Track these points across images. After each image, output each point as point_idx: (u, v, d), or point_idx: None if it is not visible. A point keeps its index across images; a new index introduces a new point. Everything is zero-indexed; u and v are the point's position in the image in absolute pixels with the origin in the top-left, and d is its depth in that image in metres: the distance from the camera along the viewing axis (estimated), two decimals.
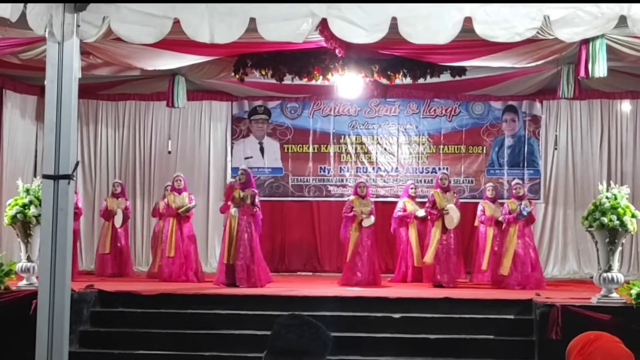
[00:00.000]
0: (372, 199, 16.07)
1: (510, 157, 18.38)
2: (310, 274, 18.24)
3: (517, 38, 7.96)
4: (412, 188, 16.65)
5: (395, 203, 16.90)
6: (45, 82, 7.76)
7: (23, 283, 12.32)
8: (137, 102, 18.80)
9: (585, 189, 17.82)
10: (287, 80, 14.79)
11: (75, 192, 15.68)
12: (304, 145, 18.72)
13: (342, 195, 18.18)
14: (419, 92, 18.07)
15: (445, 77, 15.00)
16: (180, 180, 16.18)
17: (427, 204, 15.77)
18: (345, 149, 18.65)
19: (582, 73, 11.38)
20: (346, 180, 18.57)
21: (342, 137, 18.65)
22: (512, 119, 18.41)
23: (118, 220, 16.89)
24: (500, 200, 16.47)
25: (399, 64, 14.20)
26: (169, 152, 18.69)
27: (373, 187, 17.50)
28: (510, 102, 18.35)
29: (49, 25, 7.58)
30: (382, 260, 16.80)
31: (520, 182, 16.32)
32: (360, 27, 7.80)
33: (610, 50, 11.30)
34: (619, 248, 11.66)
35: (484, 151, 18.42)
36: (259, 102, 18.82)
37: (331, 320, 11.57)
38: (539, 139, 18.34)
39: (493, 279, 15.38)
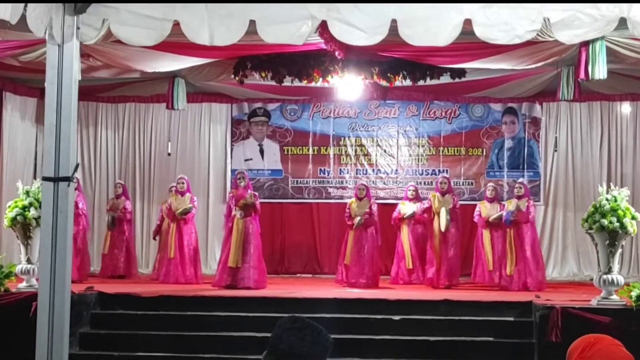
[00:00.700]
0: (373, 200, 16.04)
1: (510, 159, 18.38)
2: (310, 275, 18.22)
3: (517, 40, 7.96)
4: (410, 190, 16.62)
5: (395, 205, 16.90)
6: (45, 85, 7.77)
7: (23, 285, 12.32)
8: (137, 104, 18.79)
9: (585, 191, 17.81)
10: (287, 82, 14.78)
11: (81, 194, 15.83)
12: (304, 147, 18.72)
13: (341, 198, 18.18)
14: (418, 94, 18.07)
15: (445, 79, 15.01)
16: (183, 183, 16.17)
17: (425, 206, 15.90)
18: (345, 151, 18.65)
19: (582, 75, 11.39)
20: (346, 182, 18.57)
21: (342, 139, 18.65)
22: (511, 121, 18.41)
23: (109, 223, 16.91)
24: (501, 201, 16.47)
25: (399, 66, 14.21)
26: (169, 154, 18.67)
27: (373, 189, 17.48)
28: (510, 104, 18.35)
29: (49, 28, 7.58)
30: (382, 262, 16.76)
31: (524, 182, 16.31)
32: (360, 29, 7.81)
33: (610, 53, 11.31)
34: (619, 250, 11.67)
35: (484, 153, 18.42)
36: (259, 104, 18.82)
37: (331, 322, 11.56)
38: (539, 141, 18.34)
39: (493, 280, 15.39)
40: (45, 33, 7.65)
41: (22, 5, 7.09)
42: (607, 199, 11.61)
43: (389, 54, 13.16)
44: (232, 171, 18.37)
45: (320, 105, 18.62)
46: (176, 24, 7.98)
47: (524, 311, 12.30)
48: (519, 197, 15.54)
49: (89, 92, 16.90)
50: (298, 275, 18.21)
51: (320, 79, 14.45)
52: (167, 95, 16.27)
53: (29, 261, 12.24)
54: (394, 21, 7.73)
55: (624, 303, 11.53)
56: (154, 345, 12.03)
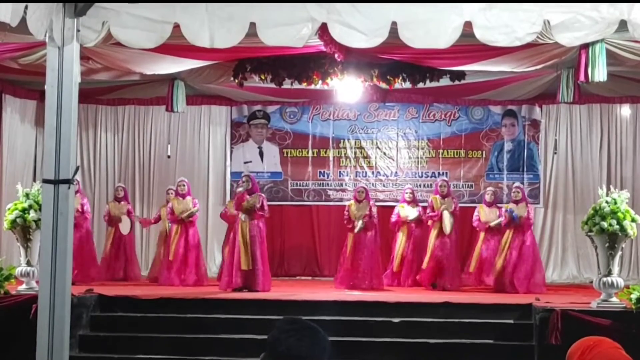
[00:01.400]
0: (372, 203, 16.03)
1: (510, 162, 18.38)
2: (310, 278, 18.23)
3: (517, 43, 7.98)
4: (407, 192, 16.60)
5: (394, 207, 16.89)
6: (46, 87, 7.77)
7: (23, 287, 12.31)
8: (137, 106, 18.80)
9: (584, 194, 17.81)
10: (287, 84, 14.78)
11: (85, 196, 15.87)
12: (304, 150, 18.72)
13: (341, 200, 18.17)
14: (418, 97, 18.06)
15: (445, 81, 15.00)
16: (184, 185, 16.17)
17: (428, 210, 15.88)
18: (345, 154, 18.65)
19: (581, 77, 11.37)
20: (345, 184, 18.57)
21: (342, 141, 18.65)
22: (511, 123, 18.41)
23: (125, 227, 16.87)
24: (499, 205, 16.49)
25: (399, 69, 14.20)
26: (169, 157, 18.68)
27: (372, 191, 17.49)
28: (509, 107, 18.35)
29: (49, 30, 7.59)
30: (382, 264, 16.75)
31: (521, 186, 16.32)
32: (360, 31, 7.82)
33: (610, 55, 11.30)
34: (619, 252, 11.66)
35: (484, 156, 18.42)
36: (258, 107, 18.82)
37: (331, 325, 11.58)
38: (539, 143, 18.34)
39: (494, 283, 15.40)
40: (45, 35, 7.66)
41: (22, 7, 7.10)
42: (607, 202, 11.60)
43: (388, 57, 13.15)
44: (232, 174, 18.40)
45: (319, 107, 18.63)
46: (176, 27, 7.99)
47: (523, 313, 12.30)
48: (517, 202, 15.52)
49: (88, 95, 16.90)
50: (298, 277, 18.21)
51: (320, 82, 14.44)
52: (166, 97, 16.25)
53: (28, 264, 12.23)
54: (394, 23, 7.74)
55: (623, 305, 11.52)
56: (154, 347, 12.02)
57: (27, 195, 12.31)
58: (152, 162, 18.86)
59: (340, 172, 18.65)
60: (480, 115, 18.44)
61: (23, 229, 12.22)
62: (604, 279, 11.53)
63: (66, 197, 7.63)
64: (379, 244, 15.82)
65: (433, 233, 15.64)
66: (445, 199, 15.79)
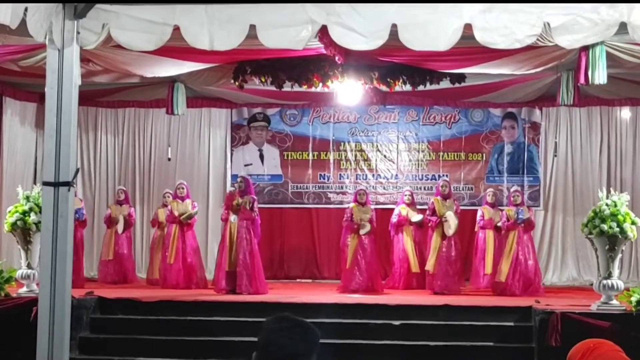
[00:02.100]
0: (372, 206, 16.06)
1: (510, 164, 18.37)
2: (310, 280, 18.21)
3: (517, 45, 7.98)
4: (406, 195, 16.60)
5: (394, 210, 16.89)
6: (46, 89, 7.78)
7: (23, 290, 12.33)
8: (137, 109, 18.79)
9: (584, 196, 17.79)
10: (287, 87, 14.77)
11: (81, 200, 15.84)
12: (304, 152, 18.71)
13: (341, 203, 18.17)
14: (418, 99, 18.06)
15: (445, 84, 14.99)
16: (183, 188, 16.20)
17: (427, 211, 15.86)
18: (345, 156, 18.64)
19: (581, 80, 11.36)
20: (346, 187, 18.56)
21: (342, 144, 18.64)
22: (511, 125, 18.40)
23: (120, 226, 16.90)
24: (500, 207, 16.50)
25: (399, 71, 14.20)
26: (169, 159, 18.67)
27: (373, 194, 17.49)
28: (509, 109, 18.34)
29: (49, 32, 7.60)
30: (382, 266, 16.76)
31: (519, 189, 16.32)
32: (360, 34, 7.82)
33: (610, 57, 11.29)
34: (619, 255, 11.67)
35: (484, 158, 18.41)
36: (259, 109, 18.81)
37: (330, 327, 11.59)
38: (539, 145, 18.33)
39: (492, 286, 15.39)
40: (45, 38, 7.66)
41: (22, 9, 7.10)
42: (606, 204, 11.61)
43: (388, 59, 13.15)
44: (232, 176, 18.37)
45: (320, 110, 18.62)
46: (176, 29, 7.99)
47: (523, 316, 12.31)
48: (517, 205, 15.52)
49: (88, 97, 16.87)
50: (298, 280, 18.19)
51: (320, 84, 14.44)
52: (166, 100, 16.25)
53: (29, 266, 12.25)
54: (394, 26, 7.74)
55: (623, 308, 11.53)
56: (154, 350, 12.03)
57: (27, 198, 12.33)
58: (152, 164, 18.85)
59: (340, 174, 18.64)
60: (480, 118, 18.43)
61: (23, 232, 12.24)
62: (604, 281, 11.54)
63: (66, 199, 7.64)
64: (377, 246, 15.82)
65: (436, 236, 15.59)
66: (447, 200, 15.77)
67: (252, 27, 7.87)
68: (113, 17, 7.93)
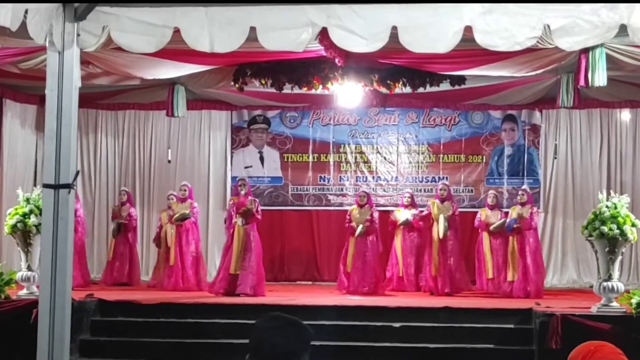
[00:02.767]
0: (374, 208, 16.04)
1: (510, 166, 18.37)
2: (310, 283, 18.21)
3: (517, 47, 7.97)
4: (405, 197, 16.62)
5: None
6: (46, 92, 7.77)
7: (23, 292, 12.32)
8: (137, 111, 18.79)
9: (584, 198, 17.79)
10: (287, 89, 14.80)
11: (78, 200, 15.81)
12: (304, 155, 18.71)
13: (341, 205, 18.18)
14: (418, 102, 18.06)
15: (445, 86, 15.00)
16: (185, 190, 16.20)
17: (424, 211, 15.94)
18: (345, 158, 18.64)
19: (581, 82, 11.38)
20: (346, 189, 18.56)
21: (342, 146, 18.64)
22: (511, 128, 18.40)
23: (114, 231, 16.92)
24: (501, 209, 16.51)
25: (399, 73, 14.21)
26: (169, 162, 18.67)
27: (373, 196, 17.47)
28: (509, 112, 18.34)
29: (49, 35, 7.60)
30: (383, 268, 16.74)
31: (526, 189, 16.30)
32: (360, 36, 7.82)
33: (609, 60, 11.30)
34: (619, 257, 11.67)
35: (484, 160, 18.41)
36: (259, 112, 18.81)
37: (331, 330, 11.60)
38: (539, 148, 18.33)
39: (497, 287, 15.39)
40: (45, 40, 7.66)
41: (22, 12, 7.10)
42: (607, 206, 11.61)
43: (388, 61, 13.16)
44: (232, 178, 18.37)
45: (320, 112, 18.62)
46: (176, 31, 7.98)
47: (524, 318, 12.30)
48: (522, 204, 15.56)
49: (88, 99, 16.88)
50: (298, 282, 18.19)
51: (320, 86, 14.46)
52: (166, 102, 16.27)
53: (29, 268, 12.25)
54: (394, 28, 7.73)
55: (624, 310, 11.53)
56: (155, 352, 12.02)
57: (27, 200, 12.33)
58: (152, 166, 18.86)
59: (340, 176, 18.64)
60: (480, 120, 18.44)
61: (23, 234, 12.24)
62: (604, 283, 11.54)
63: (66, 201, 7.63)
64: (379, 248, 15.81)
65: (434, 237, 15.62)
66: (444, 203, 15.81)
67: (253, 30, 7.87)
68: (113, 19, 7.92)
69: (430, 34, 7.80)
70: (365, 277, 15.28)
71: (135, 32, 8.01)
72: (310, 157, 18.69)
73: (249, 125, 18.86)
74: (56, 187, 7.61)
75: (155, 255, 17.16)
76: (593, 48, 10.75)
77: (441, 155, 18.48)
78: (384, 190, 18.52)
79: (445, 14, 7.70)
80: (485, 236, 16.00)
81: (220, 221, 17.34)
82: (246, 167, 18.69)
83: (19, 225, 12.16)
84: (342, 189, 18.61)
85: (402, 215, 16.40)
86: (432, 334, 12.18)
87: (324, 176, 18.65)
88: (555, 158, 18.23)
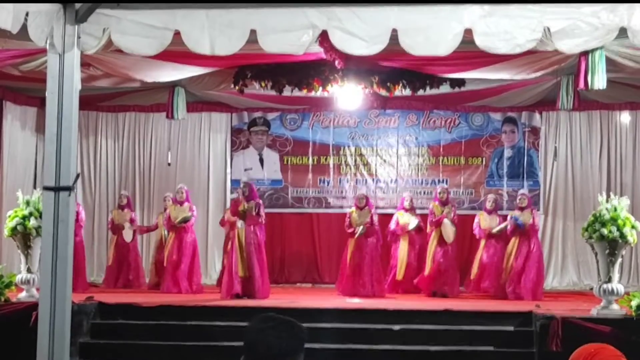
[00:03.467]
0: (374, 210, 16.02)
1: (510, 169, 18.37)
2: (310, 285, 18.21)
3: (518, 50, 7.97)
4: (406, 200, 16.60)
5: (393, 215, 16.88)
6: (46, 94, 7.77)
7: (23, 295, 12.31)
8: (137, 113, 18.80)
9: (584, 200, 17.80)
10: (287, 91, 14.80)
11: (78, 204, 15.79)
12: (304, 157, 18.71)
13: (341, 207, 18.16)
14: (418, 104, 18.06)
15: (445, 88, 15.03)
16: (182, 192, 16.18)
17: (429, 216, 15.93)
18: (345, 161, 18.64)
19: (581, 84, 11.38)
20: (346, 191, 18.56)
21: (342, 148, 18.65)
22: (511, 130, 18.41)
23: (127, 235, 16.91)
24: (500, 212, 16.53)
25: (399, 76, 14.22)
26: (169, 164, 18.68)
27: (372, 198, 17.46)
28: (509, 114, 18.34)
29: (49, 37, 7.59)
30: (382, 271, 16.72)
31: (526, 193, 16.32)
32: (361, 38, 7.82)
33: (609, 62, 11.30)
34: (619, 259, 11.67)
35: (484, 162, 18.41)
36: (259, 114, 18.81)
37: (331, 332, 11.61)
38: (539, 150, 18.34)
39: (496, 290, 15.38)
40: (46, 42, 7.66)
41: (23, 14, 7.10)
42: (607, 209, 11.61)
43: (388, 64, 13.16)
44: (232, 181, 18.38)
45: (320, 114, 18.62)
46: (177, 34, 7.98)
47: (524, 321, 12.29)
48: (522, 209, 15.56)
49: (89, 102, 16.88)
50: (298, 284, 18.19)
51: (320, 88, 14.46)
52: (167, 104, 16.27)
53: (29, 271, 12.24)
54: (394, 30, 7.73)
55: (624, 312, 11.52)
56: (155, 355, 12.01)
57: (27, 203, 12.32)
58: (152, 169, 18.86)
59: (340, 179, 18.64)
60: (480, 122, 18.44)
61: (23, 236, 12.23)
62: (604, 285, 11.54)
63: (67, 204, 7.63)
64: (379, 251, 15.81)
65: (433, 240, 15.67)
66: (445, 206, 15.82)
67: (253, 32, 7.87)
68: (114, 21, 7.92)
69: (431, 36, 7.80)
70: (366, 280, 15.27)
71: (135, 35, 8.01)
72: (310, 159, 18.69)
73: (249, 128, 18.87)
74: (56, 189, 7.61)
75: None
76: (593, 50, 10.75)
77: (441, 158, 18.48)
78: (384, 193, 18.51)
79: (445, 17, 7.70)
80: (482, 242, 16.03)
81: None
82: (246, 170, 18.68)
83: (18, 227, 12.15)
84: (342, 192, 18.61)
85: (408, 218, 16.34)
86: (433, 337, 12.17)
87: (324, 178, 18.65)
88: (555, 160, 18.24)
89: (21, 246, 12.34)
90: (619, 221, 11.45)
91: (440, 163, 18.49)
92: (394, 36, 7.79)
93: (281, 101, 17.29)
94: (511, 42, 7.82)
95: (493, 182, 18.35)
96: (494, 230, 15.81)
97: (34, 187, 15.54)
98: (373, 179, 18.59)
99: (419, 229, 16.23)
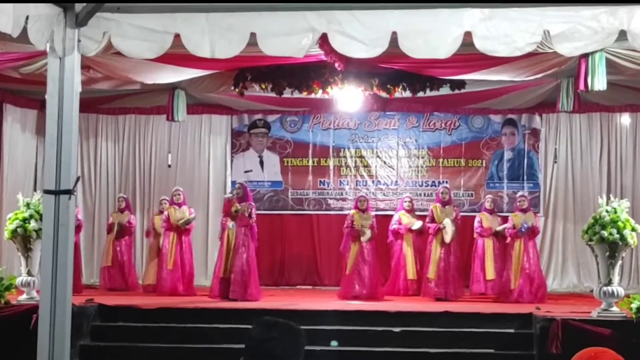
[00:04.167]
0: (373, 213, 16.05)
1: (510, 171, 18.38)
2: (310, 287, 18.20)
3: (517, 53, 7.96)
4: (406, 201, 16.60)
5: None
6: (46, 97, 7.76)
7: (23, 297, 12.32)
8: (137, 116, 18.81)
9: (585, 203, 17.79)
10: (287, 93, 14.80)
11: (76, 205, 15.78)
12: (304, 159, 18.72)
13: (341, 209, 18.17)
14: (418, 106, 18.07)
15: (445, 90, 15.03)
16: (180, 195, 16.19)
17: (427, 218, 15.90)
18: (345, 163, 18.65)
19: (581, 86, 11.40)
20: (346, 193, 18.56)
21: (342, 150, 18.66)
22: (511, 132, 18.42)
23: (114, 233, 16.93)
24: (499, 213, 16.54)
25: (399, 78, 14.24)
26: (169, 166, 18.68)
27: (373, 200, 17.48)
28: (509, 116, 18.35)
29: (50, 41, 7.59)
30: (382, 273, 16.74)
31: (525, 195, 16.32)
32: (361, 41, 7.80)
33: (609, 64, 11.31)
34: (619, 262, 11.69)
35: (484, 164, 18.42)
36: (259, 116, 18.82)
37: (331, 335, 11.62)
38: (539, 152, 18.34)
39: (500, 292, 15.35)
40: (46, 45, 7.65)
41: (23, 18, 7.09)
42: (607, 211, 11.62)
43: (388, 66, 13.17)
44: (232, 183, 18.38)
45: (320, 116, 18.64)
46: (177, 37, 7.98)
47: (524, 323, 12.31)
48: (524, 211, 15.55)
49: (89, 104, 16.86)
50: (298, 287, 18.18)
51: (320, 91, 14.47)
52: (167, 106, 16.28)
53: (29, 273, 12.26)
54: (394, 34, 7.73)
55: (624, 315, 11.54)
56: (155, 357, 12.04)
57: (27, 205, 12.33)
58: (152, 171, 18.86)
59: (340, 181, 18.65)
60: (481, 124, 18.45)
61: (24, 239, 12.24)
62: (604, 288, 11.55)
63: (67, 207, 7.62)
64: (378, 253, 15.82)
65: (436, 243, 15.63)
66: (446, 207, 15.82)
67: (253, 35, 7.86)
68: (114, 25, 7.91)
69: (431, 40, 7.79)
70: (366, 282, 15.27)
71: (135, 38, 8.00)
72: (310, 161, 18.70)
73: (249, 130, 18.88)
74: (57, 192, 7.60)
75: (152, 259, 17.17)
76: (593, 52, 10.77)
77: (441, 160, 18.49)
78: (384, 195, 18.52)
79: (445, 20, 7.69)
80: (487, 240, 16.02)
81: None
82: (246, 172, 18.70)
83: (19, 230, 12.16)
84: (342, 194, 18.61)
85: (410, 219, 16.33)
86: (433, 339, 12.19)
87: (324, 180, 18.66)
88: (555, 162, 18.25)
89: (21, 249, 12.36)
90: (619, 223, 11.46)
91: (441, 165, 18.49)
92: (394, 39, 7.78)
93: (281, 103, 17.30)
94: (511, 46, 7.81)
95: (493, 184, 18.35)
96: (499, 228, 15.82)
97: (34, 190, 15.56)
98: (373, 181, 18.60)
99: (421, 231, 16.21)
